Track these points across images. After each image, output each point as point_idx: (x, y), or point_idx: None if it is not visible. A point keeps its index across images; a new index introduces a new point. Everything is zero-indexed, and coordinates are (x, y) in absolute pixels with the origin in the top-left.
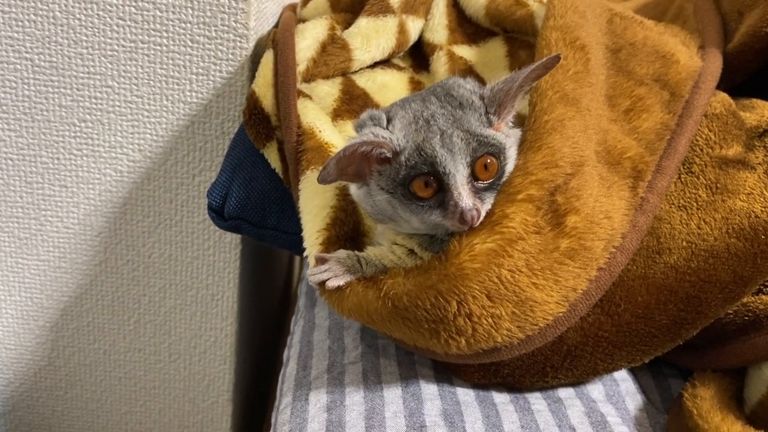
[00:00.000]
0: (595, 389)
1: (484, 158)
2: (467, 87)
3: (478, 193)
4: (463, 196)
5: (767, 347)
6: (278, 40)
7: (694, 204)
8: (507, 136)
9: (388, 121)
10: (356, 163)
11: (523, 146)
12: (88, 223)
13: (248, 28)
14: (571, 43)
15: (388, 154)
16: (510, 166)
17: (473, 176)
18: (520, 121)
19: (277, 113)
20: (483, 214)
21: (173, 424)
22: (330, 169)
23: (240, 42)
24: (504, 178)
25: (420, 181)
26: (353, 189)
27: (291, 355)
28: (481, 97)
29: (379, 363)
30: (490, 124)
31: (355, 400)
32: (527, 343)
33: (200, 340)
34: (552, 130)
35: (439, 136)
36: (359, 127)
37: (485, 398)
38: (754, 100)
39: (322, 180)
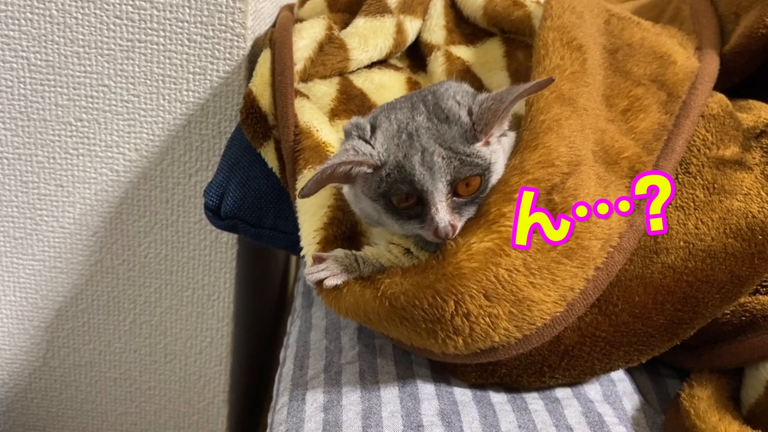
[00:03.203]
0: (593, 389)
1: (466, 178)
2: (458, 98)
3: (457, 207)
4: (440, 212)
5: (764, 347)
6: (275, 40)
7: (692, 204)
8: (493, 151)
9: (373, 129)
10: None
11: (519, 145)
12: (84, 223)
13: (245, 28)
14: (568, 43)
15: (369, 171)
16: (495, 179)
17: (454, 192)
18: (516, 122)
19: (274, 112)
20: (460, 227)
21: (169, 425)
22: (311, 186)
23: (237, 41)
24: (487, 191)
25: (400, 195)
26: (345, 189)
27: (288, 355)
28: (470, 113)
29: (376, 363)
30: (477, 140)
31: (352, 399)
32: (525, 342)
33: (196, 340)
34: (548, 130)
35: (420, 154)
36: (346, 136)
37: (482, 398)
38: (751, 101)
39: (303, 196)
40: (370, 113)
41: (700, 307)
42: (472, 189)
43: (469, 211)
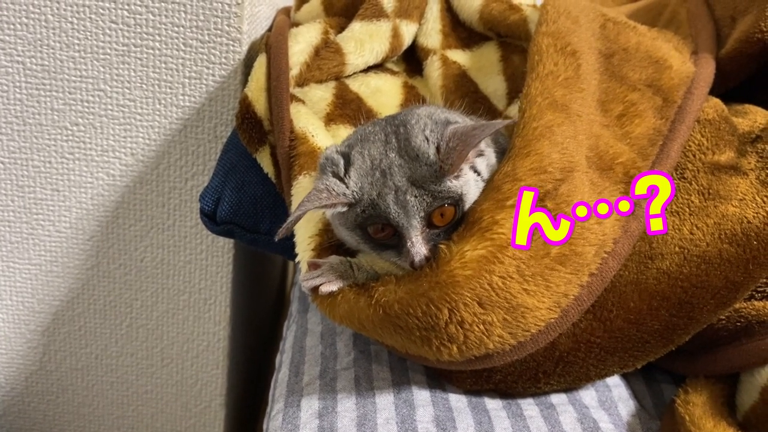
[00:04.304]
0: (588, 395)
1: (440, 209)
2: (426, 133)
3: (432, 238)
4: (416, 245)
5: (759, 353)
6: (271, 44)
7: (687, 209)
8: (465, 182)
9: (347, 165)
10: None
11: (511, 152)
12: (80, 227)
13: (241, 32)
14: (562, 48)
15: (343, 209)
16: (468, 204)
17: (429, 224)
18: (509, 128)
19: (269, 117)
20: (435, 253)
21: (165, 429)
22: (288, 227)
23: (233, 46)
24: (462, 214)
25: (376, 227)
26: (328, 213)
27: (283, 360)
28: (438, 150)
29: (372, 369)
30: (446, 176)
31: (347, 406)
32: (519, 349)
33: (193, 344)
34: (540, 137)
35: (393, 193)
36: (321, 171)
37: (477, 404)
38: (747, 105)
39: (278, 238)
40: (344, 142)
41: (695, 313)
42: (447, 219)
43: (446, 235)
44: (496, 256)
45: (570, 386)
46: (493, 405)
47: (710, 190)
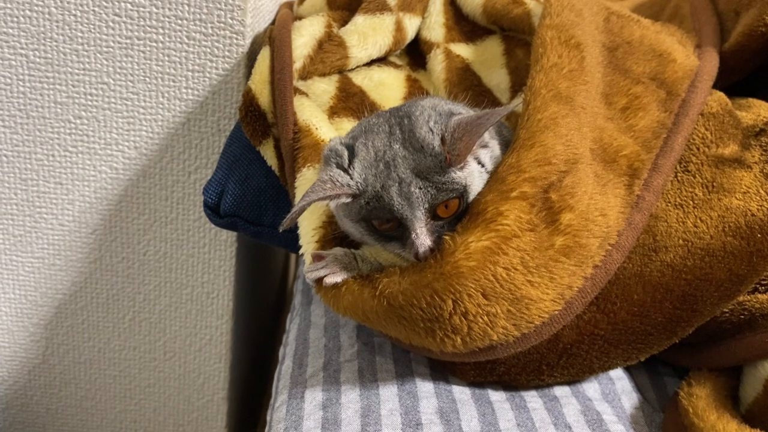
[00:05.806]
0: (591, 387)
1: (444, 201)
2: (431, 125)
3: (436, 229)
4: (420, 237)
5: (763, 346)
6: (275, 37)
7: (691, 202)
8: (469, 173)
9: (351, 156)
10: None
11: (516, 144)
12: (83, 221)
13: (245, 25)
14: (566, 41)
15: (347, 200)
16: (473, 195)
17: (433, 216)
18: (513, 120)
19: (273, 110)
20: (439, 245)
21: (168, 423)
22: (292, 217)
23: (236, 39)
24: (466, 206)
25: (380, 218)
26: (332, 205)
27: (287, 352)
28: (443, 141)
29: (375, 361)
30: (452, 167)
31: (351, 397)
32: (523, 341)
33: (195, 338)
34: (545, 128)
35: (397, 185)
36: (325, 162)
37: (481, 396)
38: (751, 99)
39: (283, 229)
40: (349, 134)
41: (698, 306)
42: (451, 210)
43: (449, 228)
44: (500, 248)
45: (573, 378)
46: (497, 397)
47: (714, 183)
